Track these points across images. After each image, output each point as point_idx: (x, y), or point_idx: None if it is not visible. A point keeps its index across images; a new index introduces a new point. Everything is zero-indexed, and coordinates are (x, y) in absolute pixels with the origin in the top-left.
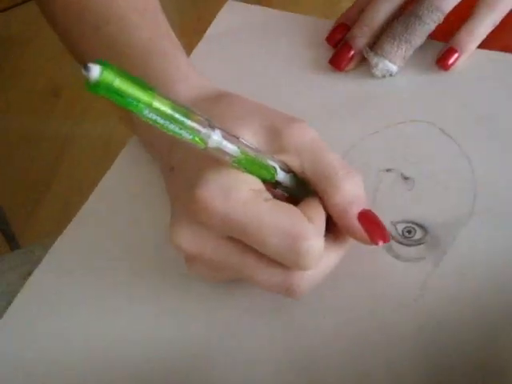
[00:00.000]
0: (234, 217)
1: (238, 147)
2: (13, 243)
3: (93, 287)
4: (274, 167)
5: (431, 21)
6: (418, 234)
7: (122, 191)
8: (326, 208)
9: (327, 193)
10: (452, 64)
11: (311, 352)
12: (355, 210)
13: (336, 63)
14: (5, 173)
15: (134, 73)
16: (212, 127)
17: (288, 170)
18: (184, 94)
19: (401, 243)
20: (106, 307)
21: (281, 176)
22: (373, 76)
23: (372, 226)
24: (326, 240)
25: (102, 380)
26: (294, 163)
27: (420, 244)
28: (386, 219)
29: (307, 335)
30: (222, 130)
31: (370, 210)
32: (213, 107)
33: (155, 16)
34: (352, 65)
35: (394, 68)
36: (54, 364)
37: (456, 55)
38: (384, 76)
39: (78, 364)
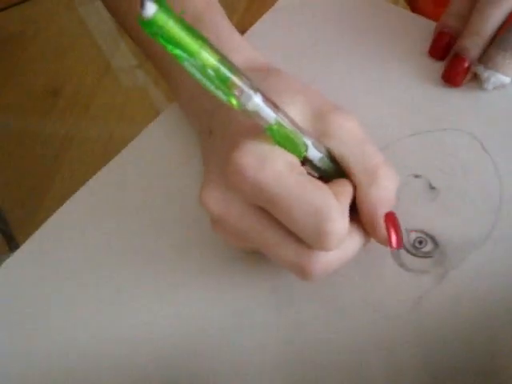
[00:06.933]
0: (264, 186)
1: (276, 116)
2: (12, 243)
3: (93, 284)
4: (306, 145)
5: None
6: (428, 247)
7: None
8: (356, 198)
9: (362, 185)
10: None
11: (310, 351)
12: (384, 210)
13: (451, 79)
14: (4, 173)
15: None
16: (255, 89)
17: (325, 152)
18: (236, 63)
19: (409, 252)
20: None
21: (313, 154)
22: (484, 89)
23: (393, 230)
24: (350, 225)
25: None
26: (335, 149)
27: (427, 257)
28: (401, 225)
29: (307, 334)
30: (264, 95)
31: (394, 214)
32: (262, 80)
33: None
34: (467, 78)
35: (507, 80)
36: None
37: None
38: (496, 88)
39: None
